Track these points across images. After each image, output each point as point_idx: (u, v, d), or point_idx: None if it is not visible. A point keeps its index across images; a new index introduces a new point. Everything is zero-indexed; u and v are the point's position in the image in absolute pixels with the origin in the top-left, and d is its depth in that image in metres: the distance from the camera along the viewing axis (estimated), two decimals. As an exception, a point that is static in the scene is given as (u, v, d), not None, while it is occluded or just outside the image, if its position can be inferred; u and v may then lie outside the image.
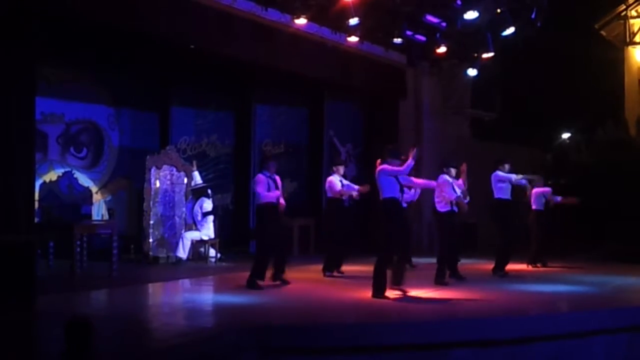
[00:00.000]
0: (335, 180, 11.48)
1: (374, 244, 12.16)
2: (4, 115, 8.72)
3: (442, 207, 10.79)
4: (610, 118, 18.47)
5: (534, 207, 13.23)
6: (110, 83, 14.65)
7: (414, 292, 9.39)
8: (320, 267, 11.62)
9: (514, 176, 11.49)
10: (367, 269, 11.85)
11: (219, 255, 13.55)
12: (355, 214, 13.34)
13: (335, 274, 11.52)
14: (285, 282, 10.30)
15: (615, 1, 19.87)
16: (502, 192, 11.48)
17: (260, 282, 9.90)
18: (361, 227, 15.23)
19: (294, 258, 14.44)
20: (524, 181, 12.22)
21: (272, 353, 6.70)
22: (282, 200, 10.16)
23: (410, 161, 8.95)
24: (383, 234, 9.25)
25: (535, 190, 13.13)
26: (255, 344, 6.61)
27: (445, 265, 10.77)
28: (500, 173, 11.48)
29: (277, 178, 10.22)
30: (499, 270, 11.55)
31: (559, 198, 13.60)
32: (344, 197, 11.43)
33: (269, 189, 9.96)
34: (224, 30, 12.00)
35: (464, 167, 10.78)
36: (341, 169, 11.72)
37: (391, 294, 9.17)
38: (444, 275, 10.64)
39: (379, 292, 8.99)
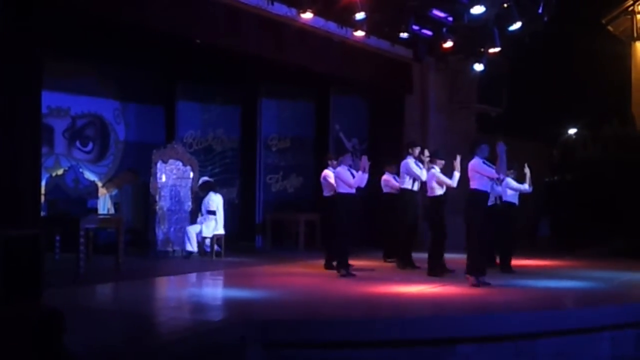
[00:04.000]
0: (390, 177, 12.42)
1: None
2: (10, 109, 8.74)
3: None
4: (616, 114, 18.41)
5: (504, 198, 11.59)
6: (116, 77, 14.67)
7: (419, 288, 9.39)
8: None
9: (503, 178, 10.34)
10: (375, 264, 12.01)
11: (217, 248, 13.46)
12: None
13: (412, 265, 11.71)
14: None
15: (623, -4, 19.78)
16: (479, 182, 9.65)
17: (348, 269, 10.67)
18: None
19: (300, 253, 14.47)
20: (523, 186, 11.64)
21: (277, 347, 6.70)
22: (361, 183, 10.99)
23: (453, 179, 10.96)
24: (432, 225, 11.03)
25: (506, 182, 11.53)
26: (260, 338, 6.61)
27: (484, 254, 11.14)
28: (480, 164, 9.68)
29: (352, 171, 11.06)
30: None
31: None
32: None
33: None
34: (230, 24, 11.98)
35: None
36: (394, 167, 12.32)
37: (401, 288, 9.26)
38: (490, 260, 11.16)
39: (433, 270, 10.64)
